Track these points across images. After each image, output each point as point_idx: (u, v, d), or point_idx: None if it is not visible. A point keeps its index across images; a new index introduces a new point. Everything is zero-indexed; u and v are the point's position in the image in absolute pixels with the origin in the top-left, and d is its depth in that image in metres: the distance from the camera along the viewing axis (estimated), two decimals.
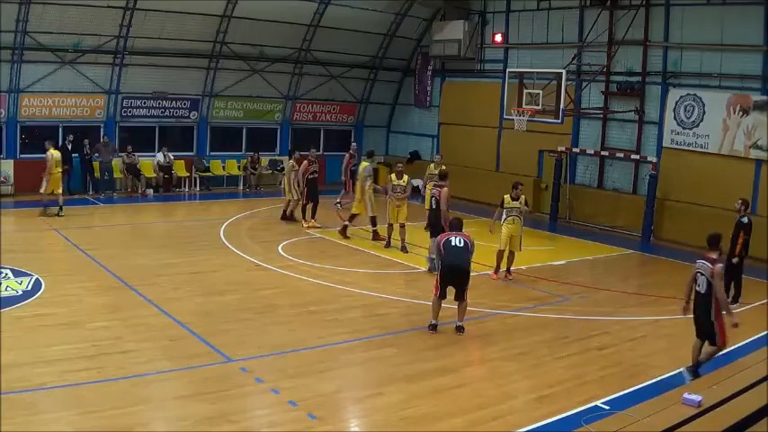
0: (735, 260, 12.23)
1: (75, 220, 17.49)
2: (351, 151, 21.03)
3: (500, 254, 13.49)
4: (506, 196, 13.43)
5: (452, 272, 10.12)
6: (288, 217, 18.16)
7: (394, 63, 26.19)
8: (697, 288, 8.47)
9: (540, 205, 21.14)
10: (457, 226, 10.65)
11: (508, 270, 13.64)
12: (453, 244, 10.15)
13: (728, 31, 16.85)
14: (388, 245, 15.54)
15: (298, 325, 10.37)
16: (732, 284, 12.02)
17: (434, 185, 14.41)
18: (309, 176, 17.78)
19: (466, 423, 7.39)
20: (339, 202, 19.91)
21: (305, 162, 17.88)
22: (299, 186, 17.78)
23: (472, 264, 10.42)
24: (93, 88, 21.05)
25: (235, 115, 24.06)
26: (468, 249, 10.18)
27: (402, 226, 15.33)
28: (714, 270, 8.28)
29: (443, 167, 17.02)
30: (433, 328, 10.29)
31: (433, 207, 14.07)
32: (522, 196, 13.51)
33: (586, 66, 20.08)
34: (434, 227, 13.59)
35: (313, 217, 17.78)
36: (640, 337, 10.56)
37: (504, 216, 13.41)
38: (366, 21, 23.72)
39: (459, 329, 10.29)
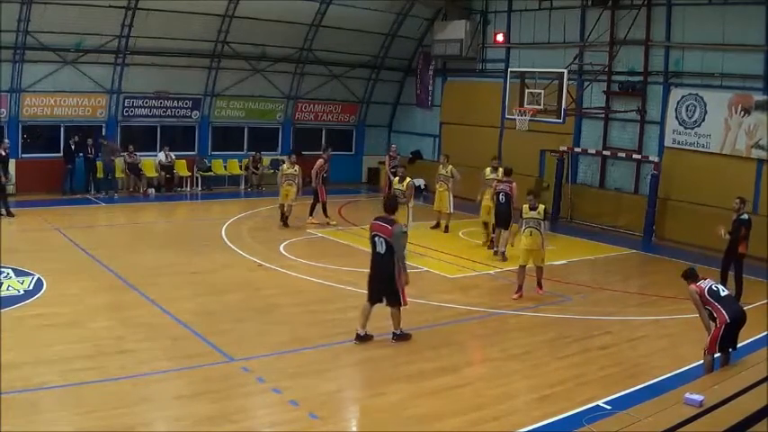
0: (742, 255, 12.55)
1: (77, 220, 17.55)
2: (391, 153, 21.02)
3: (520, 270, 12.28)
4: (525, 206, 12.38)
5: (373, 278, 9.63)
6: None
7: (395, 63, 26.19)
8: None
9: None
10: (390, 208, 9.65)
11: (539, 284, 12.44)
12: (377, 250, 9.45)
13: (730, 30, 16.84)
14: None
15: (299, 325, 10.37)
16: (735, 282, 12.33)
17: (502, 182, 14.97)
18: (324, 175, 17.81)
19: (466, 423, 7.38)
20: None
21: (320, 160, 17.83)
22: (312, 184, 17.70)
23: (400, 265, 9.37)
24: (95, 88, 21.07)
25: (236, 115, 24.08)
26: (389, 255, 9.27)
27: None
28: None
29: (451, 166, 17.64)
30: (359, 338, 9.51)
31: (502, 202, 14.76)
32: (542, 206, 12.34)
33: (588, 65, 20.08)
34: (505, 221, 14.63)
35: (311, 214, 17.84)
36: (641, 337, 10.55)
37: (522, 227, 12.36)
38: (368, 20, 23.71)
39: (393, 337, 9.63)
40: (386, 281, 9.44)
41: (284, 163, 18.20)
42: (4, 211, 16.90)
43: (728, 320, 8.11)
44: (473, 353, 9.98)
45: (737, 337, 8.32)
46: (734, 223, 12.61)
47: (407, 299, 9.58)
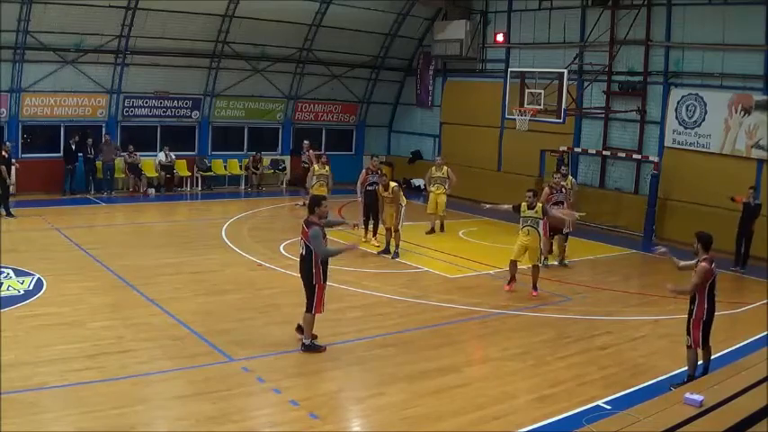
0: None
1: (77, 220, 17.54)
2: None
3: (512, 264, 12.40)
4: (523, 203, 12.34)
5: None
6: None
7: (396, 63, 26.19)
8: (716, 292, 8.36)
9: None
10: (311, 207, 9.23)
11: (534, 286, 12.37)
12: (300, 252, 9.19)
13: (730, 30, 16.85)
14: (386, 251, 15.06)
15: None
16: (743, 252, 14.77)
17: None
18: (368, 187, 15.81)
19: (467, 423, 7.38)
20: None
21: (363, 171, 16.23)
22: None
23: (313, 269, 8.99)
24: (95, 88, 21.08)
25: (236, 115, 24.09)
26: (309, 258, 8.92)
27: (388, 230, 15.01)
28: None
29: (446, 168, 17.48)
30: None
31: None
32: (540, 205, 12.35)
33: (588, 65, 20.10)
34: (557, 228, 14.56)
35: (374, 235, 16.02)
36: (642, 337, 10.55)
37: (520, 225, 12.40)
38: (368, 20, 23.72)
39: (302, 347, 9.17)
40: (305, 284, 9.16)
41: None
42: (3, 212, 16.91)
43: (704, 319, 8.31)
44: (473, 353, 9.98)
45: (709, 335, 8.48)
46: (750, 206, 14.66)
47: (322, 308, 9.16)
